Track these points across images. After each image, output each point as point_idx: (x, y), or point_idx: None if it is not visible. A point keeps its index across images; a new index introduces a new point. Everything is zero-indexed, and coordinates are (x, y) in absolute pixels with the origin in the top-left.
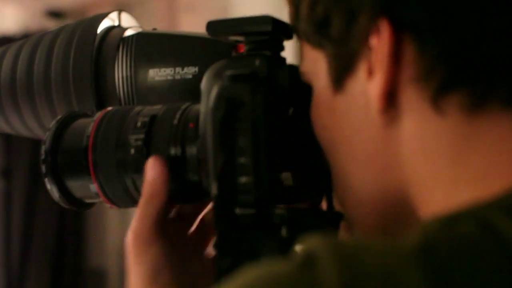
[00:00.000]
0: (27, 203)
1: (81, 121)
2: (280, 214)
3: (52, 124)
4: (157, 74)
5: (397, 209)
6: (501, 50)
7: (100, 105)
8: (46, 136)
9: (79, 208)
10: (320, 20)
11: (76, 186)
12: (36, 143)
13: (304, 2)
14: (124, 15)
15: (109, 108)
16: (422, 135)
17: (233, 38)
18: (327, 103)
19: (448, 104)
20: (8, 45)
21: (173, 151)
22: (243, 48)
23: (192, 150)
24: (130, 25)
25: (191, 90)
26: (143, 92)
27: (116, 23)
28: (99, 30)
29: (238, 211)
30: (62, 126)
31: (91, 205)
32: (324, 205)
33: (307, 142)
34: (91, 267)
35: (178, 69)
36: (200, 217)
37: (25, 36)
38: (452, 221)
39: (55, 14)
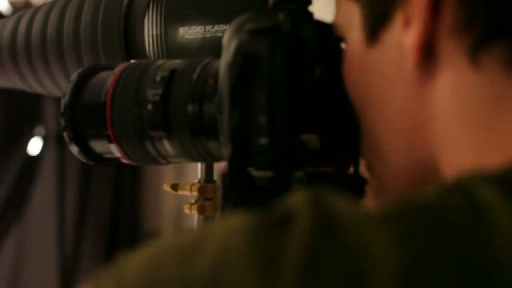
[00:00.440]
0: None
1: (102, 74)
2: (299, 178)
3: (73, 76)
4: (187, 32)
5: (427, 173)
6: None
7: None
8: (66, 89)
9: (98, 163)
10: None
11: (95, 141)
12: None
13: None
14: None
15: (131, 61)
16: (456, 92)
17: None
18: (360, 57)
19: (486, 58)
20: (37, 6)
21: (190, 108)
22: None
23: (210, 108)
24: None
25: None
26: (173, 51)
27: None
28: None
29: (254, 173)
30: (83, 80)
31: (111, 160)
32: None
33: (338, 104)
34: (147, 231)
35: (208, 27)
36: None
37: None
38: (447, 191)
39: None
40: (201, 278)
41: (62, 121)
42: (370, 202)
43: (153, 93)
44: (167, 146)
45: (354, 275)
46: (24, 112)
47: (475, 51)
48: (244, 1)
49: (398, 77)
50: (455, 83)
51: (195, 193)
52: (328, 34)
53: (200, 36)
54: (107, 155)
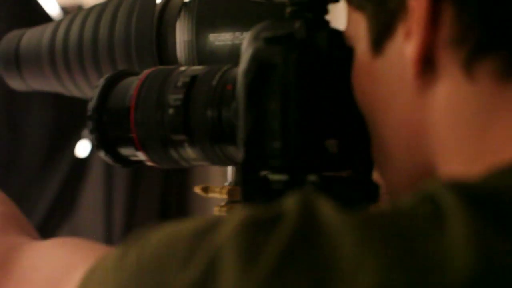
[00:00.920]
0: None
1: (128, 80)
2: (312, 181)
3: (100, 81)
4: (217, 39)
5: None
6: None
7: None
8: (93, 93)
9: (125, 166)
10: None
11: (120, 144)
12: None
13: None
14: None
15: (155, 67)
16: (452, 102)
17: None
18: (367, 67)
19: (480, 70)
20: (75, 13)
21: (210, 113)
22: None
23: (228, 113)
24: None
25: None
26: (203, 57)
27: None
28: None
29: (270, 176)
30: (110, 84)
31: (137, 163)
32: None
33: (354, 109)
34: None
35: (237, 34)
36: None
37: None
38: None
39: None
40: (200, 261)
41: (89, 124)
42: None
43: (174, 98)
44: (188, 150)
45: (322, 270)
46: (71, 114)
47: (470, 63)
48: (272, 9)
49: (400, 87)
50: (451, 94)
51: (224, 196)
52: (344, 42)
53: (229, 42)
54: (133, 158)
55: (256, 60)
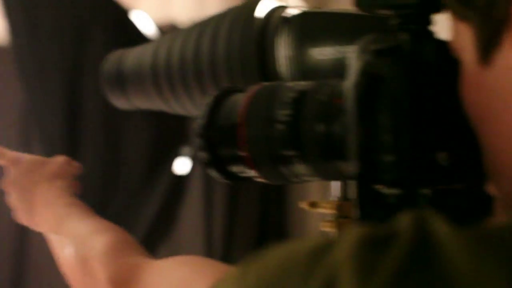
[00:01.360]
0: (229, 188)
1: (235, 97)
2: (424, 195)
3: (208, 99)
4: (320, 53)
5: None
6: None
7: None
8: (202, 111)
9: (235, 182)
10: None
11: (229, 161)
12: None
13: None
14: None
15: (263, 83)
16: None
17: (382, 12)
18: (474, 78)
19: None
20: (175, 32)
21: (319, 127)
22: None
23: (337, 126)
24: (296, 4)
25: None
26: (306, 72)
27: (283, 3)
28: (264, 10)
29: (384, 190)
30: (218, 102)
31: (246, 179)
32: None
33: (463, 120)
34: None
35: (340, 47)
36: None
37: None
38: None
39: None
40: (318, 279)
41: (199, 142)
42: (499, 219)
43: (283, 114)
44: (299, 165)
45: None
46: (169, 132)
47: None
48: (374, 22)
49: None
50: None
51: (332, 211)
52: (450, 53)
53: (331, 57)
54: (242, 175)
55: (365, 73)
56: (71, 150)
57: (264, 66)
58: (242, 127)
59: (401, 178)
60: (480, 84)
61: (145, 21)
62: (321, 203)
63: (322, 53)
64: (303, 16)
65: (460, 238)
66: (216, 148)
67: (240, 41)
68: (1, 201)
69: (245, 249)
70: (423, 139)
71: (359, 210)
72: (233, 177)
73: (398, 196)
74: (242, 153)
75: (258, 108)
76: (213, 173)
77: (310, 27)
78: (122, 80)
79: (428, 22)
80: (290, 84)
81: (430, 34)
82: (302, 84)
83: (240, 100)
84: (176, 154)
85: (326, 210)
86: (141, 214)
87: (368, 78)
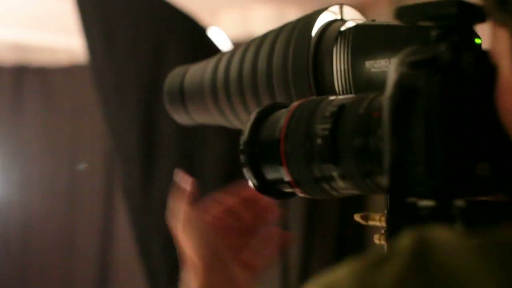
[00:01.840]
0: (306, 205)
1: (279, 112)
2: (458, 206)
3: (252, 115)
4: (373, 66)
5: None
6: None
7: None
8: (245, 127)
9: (277, 198)
10: None
11: (272, 176)
12: None
13: None
14: (346, 8)
15: (305, 98)
16: None
17: (422, 23)
18: (510, 85)
19: None
20: (233, 48)
21: (357, 141)
22: None
23: (374, 140)
24: (352, 17)
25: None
26: (360, 85)
27: (338, 17)
28: (319, 24)
29: (417, 202)
30: (261, 117)
31: (289, 194)
32: None
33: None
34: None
35: (393, 60)
36: None
37: None
38: None
39: None
40: None
41: (242, 158)
42: None
43: (322, 128)
44: (337, 179)
45: None
46: None
47: None
48: (427, 33)
49: None
50: None
51: (383, 223)
52: (490, 61)
53: (385, 69)
54: (284, 189)
55: (400, 85)
56: (147, 167)
57: (318, 80)
58: (283, 142)
59: (434, 190)
60: None
61: (221, 38)
62: (372, 216)
63: (375, 66)
64: (356, 29)
65: (463, 245)
66: (259, 163)
67: (296, 55)
68: (81, 209)
69: (324, 263)
70: (458, 150)
71: (389, 223)
72: (276, 193)
73: (431, 208)
74: (283, 168)
75: (298, 122)
76: (257, 189)
77: (363, 39)
78: (182, 96)
79: (469, 32)
80: (332, 98)
81: (469, 44)
82: (343, 98)
83: (283, 115)
84: None
85: (377, 223)
86: None
87: (402, 90)
